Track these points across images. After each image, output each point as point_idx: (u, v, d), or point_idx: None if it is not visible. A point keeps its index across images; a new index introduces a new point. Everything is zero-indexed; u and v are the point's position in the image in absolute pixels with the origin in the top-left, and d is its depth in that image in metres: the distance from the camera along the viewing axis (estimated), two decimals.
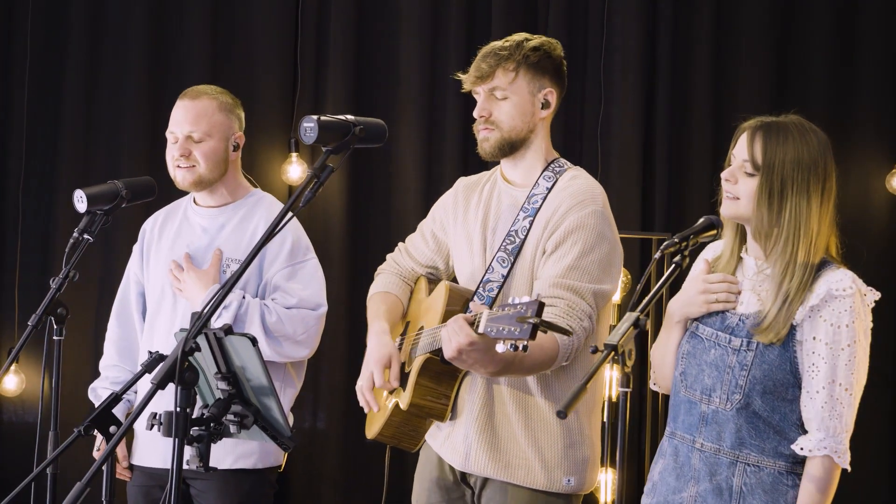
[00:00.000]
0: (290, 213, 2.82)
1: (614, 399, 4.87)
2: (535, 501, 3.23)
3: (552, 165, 3.33)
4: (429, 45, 5.44)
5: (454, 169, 5.24)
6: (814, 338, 2.76)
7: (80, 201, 3.36)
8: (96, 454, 3.74)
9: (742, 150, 2.84)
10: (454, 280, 3.47)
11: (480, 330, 2.85)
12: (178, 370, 2.62)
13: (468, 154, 5.21)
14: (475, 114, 3.31)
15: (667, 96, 5.46)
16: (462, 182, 3.53)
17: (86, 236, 3.35)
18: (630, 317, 2.50)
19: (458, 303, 3.28)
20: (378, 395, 3.33)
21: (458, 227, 3.43)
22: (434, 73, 5.43)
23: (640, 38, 5.42)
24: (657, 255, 2.67)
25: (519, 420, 3.22)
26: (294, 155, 5.33)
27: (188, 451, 2.74)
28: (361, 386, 3.30)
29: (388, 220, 5.42)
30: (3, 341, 5.22)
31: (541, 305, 2.70)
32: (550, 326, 2.72)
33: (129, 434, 3.73)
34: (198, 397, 2.86)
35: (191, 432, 2.71)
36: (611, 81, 5.43)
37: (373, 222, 5.43)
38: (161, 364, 2.67)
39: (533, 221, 3.25)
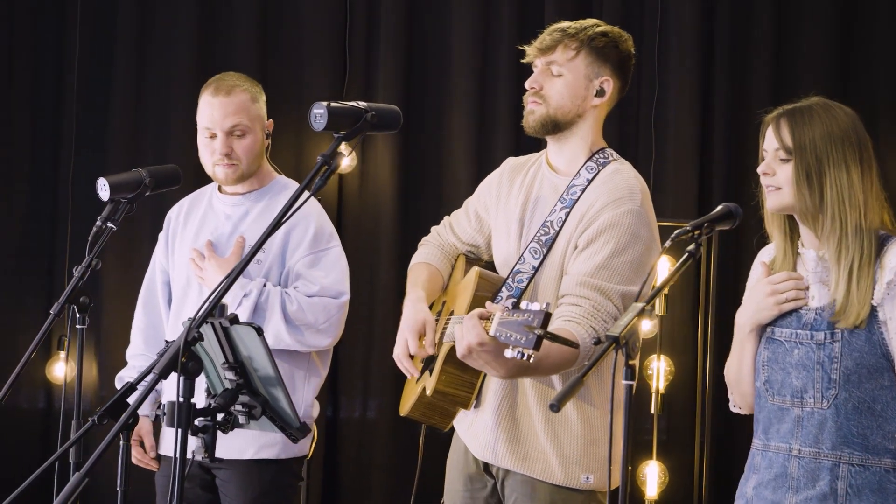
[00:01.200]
0: (299, 201, 2.76)
1: (662, 391, 4.78)
2: (555, 496, 3.17)
3: (597, 156, 3.23)
4: (480, 31, 5.37)
5: (505, 157, 5.12)
6: None
7: (104, 189, 3.35)
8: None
9: (771, 141, 2.77)
10: (491, 261, 3.42)
11: (491, 332, 2.78)
12: (179, 360, 2.60)
13: (520, 142, 5.13)
14: (526, 84, 3.24)
15: (725, 80, 5.32)
16: (509, 162, 3.46)
17: (109, 224, 3.34)
18: (635, 307, 2.42)
19: (488, 291, 3.22)
20: (417, 361, 3.28)
21: (500, 209, 3.37)
22: (486, 60, 5.35)
23: (697, 20, 5.28)
24: (667, 243, 2.58)
25: (539, 413, 3.17)
26: (343, 145, 5.28)
27: (194, 442, 2.72)
28: (397, 354, 3.25)
29: (439, 208, 5.34)
30: (55, 329, 5.26)
31: (547, 316, 2.64)
32: (555, 339, 2.67)
33: (157, 425, 3.74)
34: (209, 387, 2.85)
35: (196, 423, 2.69)
36: (666, 65, 5.31)
37: (423, 210, 5.37)
38: (165, 354, 2.65)
39: (569, 213, 3.17)
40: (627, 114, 5.33)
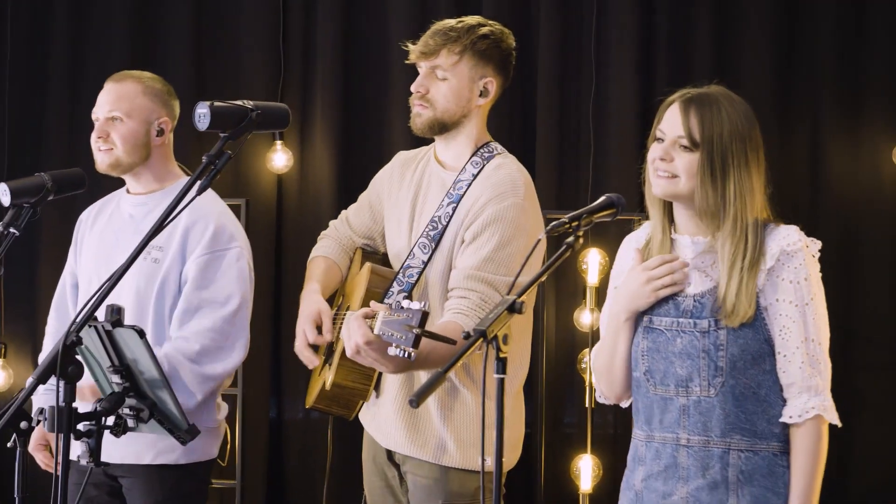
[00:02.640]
0: (182, 202, 2.74)
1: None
2: (451, 478, 3.21)
3: (482, 150, 3.30)
4: (418, 27, 5.31)
5: None
6: (777, 300, 2.66)
7: (4, 194, 3.31)
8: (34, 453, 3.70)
9: (676, 126, 2.70)
10: (385, 254, 3.47)
11: (375, 331, 2.84)
12: (58, 364, 2.58)
13: None
14: (412, 88, 3.30)
15: (665, 70, 5.29)
16: (400, 156, 3.52)
17: (11, 230, 3.30)
18: (505, 301, 2.40)
19: (380, 287, 3.27)
20: (320, 353, 3.33)
21: (391, 202, 3.43)
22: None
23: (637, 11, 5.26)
24: (541, 235, 2.56)
25: (436, 401, 3.22)
26: (279, 143, 5.28)
27: (80, 447, 2.71)
28: (298, 346, 3.30)
29: None
30: None
31: (424, 315, 2.70)
32: (433, 336, 2.71)
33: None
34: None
35: (80, 427, 2.68)
36: (606, 58, 5.28)
37: None
38: (44, 358, 2.64)
39: (456, 208, 3.24)
40: (568, 109, 5.32)
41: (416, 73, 5.26)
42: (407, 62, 3.32)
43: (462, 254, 3.19)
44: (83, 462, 2.70)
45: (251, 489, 5.23)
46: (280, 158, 5.27)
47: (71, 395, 2.60)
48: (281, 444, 5.35)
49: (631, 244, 2.88)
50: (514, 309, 2.38)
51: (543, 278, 2.54)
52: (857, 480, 5.09)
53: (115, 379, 2.74)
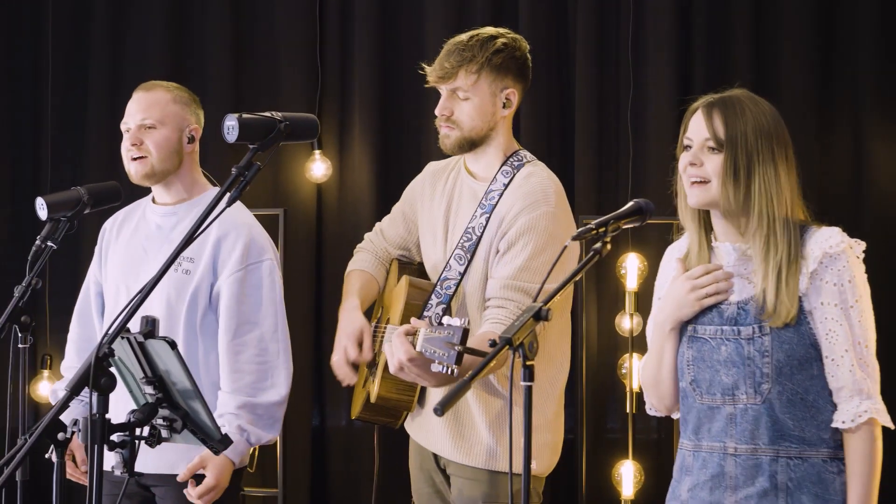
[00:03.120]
0: (213, 214, 2.76)
1: (637, 390, 4.74)
2: (496, 479, 3.26)
3: (511, 159, 3.34)
4: (455, 34, 5.29)
5: None
6: (822, 303, 2.64)
7: (42, 209, 3.36)
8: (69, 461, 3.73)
9: (701, 130, 2.70)
10: (421, 264, 3.52)
11: (417, 349, 2.91)
12: (91, 376, 2.60)
13: None
14: (437, 112, 3.33)
15: (703, 72, 5.25)
16: (431, 167, 3.56)
17: (49, 243, 3.35)
18: (531, 308, 2.39)
19: (419, 300, 3.32)
20: (362, 367, 3.41)
21: (425, 214, 3.47)
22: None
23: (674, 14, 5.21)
24: (567, 242, 2.56)
25: (479, 409, 3.27)
26: (317, 153, 5.30)
27: (114, 458, 2.73)
28: (336, 360, 3.36)
29: None
30: (38, 348, 5.32)
31: (465, 332, 2.76)
32: (474, 353, 2.73)
33: None
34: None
35: (114, 438, 2.70)
36: (644, 59, 5.24)
37: None
38: (77, 370, 2.66)
39: (489, 219, 3.28)
40: (606, 113, 5.29)
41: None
42: (426, 85, 3.34)
43: (497, 264, 3.22)
44: (117, 472, 2.71)
45: (294, 497, 5.24)
46: (319, 168, 5.29)
47: (104, 406, 2.63)
48: (324, 452, 5.36)
49: (673, 254, 2.87)
50: (539, 316, 2.38)
51: (570, 285, 2.54)
52: None
53: (149, 390, 2.75)
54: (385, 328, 3.39)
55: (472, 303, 3.27)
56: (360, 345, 3.31)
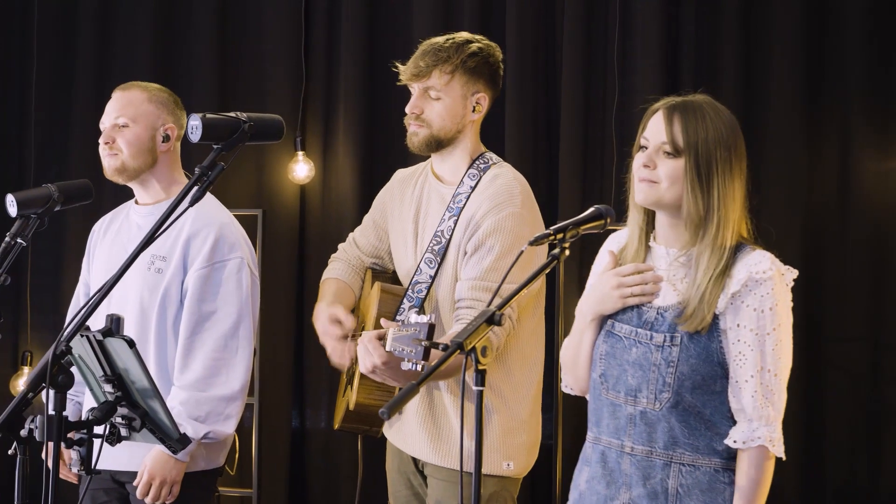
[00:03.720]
0: (174, 213, 2.76)
1: None
2: (467, 482, 3.22)
3: (477, 161, 3.39)
4: (442, 33, 5.34)
5: None
6: (738, 325, 2.65)
7: (11, 205, 3.36)
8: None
9: (659, 133, 2.70)
10: (394, 272, 3.55)
11: (387, 348, 2.98)
12: (48, 374, 2.61)
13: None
14: (407, 109, 3.38)
15: (690, 78, 5.22)
16: (398, 175, 3.62)
17: (19, 240, 3.35)
18: (485, 313, 2.39)
19: (392, 305, 3.37)
20: (343, 378, 3.51)
21: (395, 221, 3.51)
22: None
23: (661, 12, 5.18)
24: (524, 247, 2.56)
25: (455, 410, 3.32)
26: (300, 153, 5.31)
27: (73, 455, 2.73)
28: (330, 349, 3.40)
29: None
30: (20, 344, 5.33)
31: (431, 327, 2.83)
32: (437, 346, 2.72)
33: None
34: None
35: (72, 436, 2.70)
36: (631, 66, 5.22)
37: None
38: (35, 367, 2.66)
39: (457, 221, 3.32)
40: (592, 119, 5.28)
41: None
42: (398, 83, 3.38)
43: (466, 265, 3.27)
44: (74, 470, 2.73)
45: (271, 498, 5.24)
46: (302, 169, 5.29)
47: (61, 403, 2.63)
48: (303, 454, 5.36)
49: (610, 245, 2.88)
50: (492, 321, 2.37)
51: (525, 290, 2.54)
52: (889, 494, 5.01)
53: (108, 388, 2.76)
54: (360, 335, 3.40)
55: (445, 305, 3.32)
56: (339, 322, 3.35)
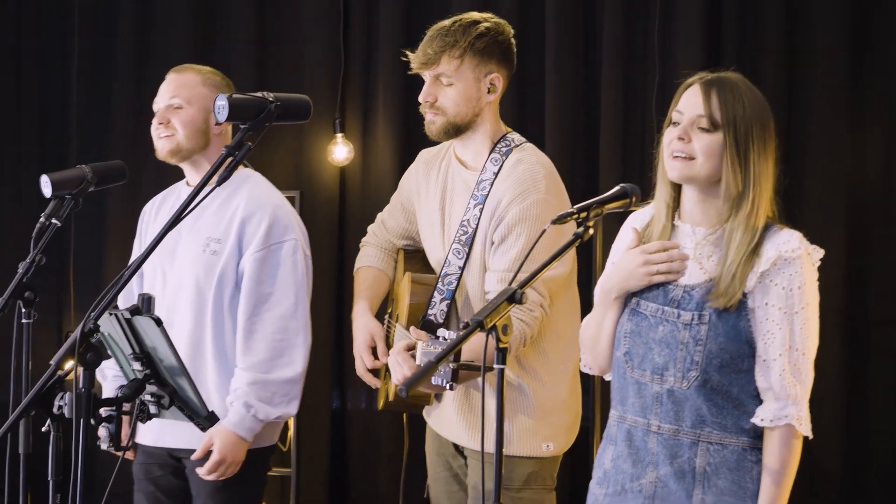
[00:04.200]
0: (201, 194, 2.77)
1: None
2: (510, 465, 3.30)
3: (499, 145, 3.33)
4: None
5: None
6: (766, 304, 2.64)
7: (46, 186, 3.41)
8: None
9: (696, 106, 2.67)
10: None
11: (417, 362, 3.04)
12: (77, 351, 2.64)
13: (524, 129, 5.08)
14: (420, 98, 3.34)
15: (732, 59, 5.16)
16: (423, 155, 3.59)
17: (53, 221, 3.39)
18: (506, 291, 2.39)
19: (423, 297, 3.36)
20: (383, 369, 3.49)
21: (422, 205, 3.49)
22: None
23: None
24: (546, 226, 2.55)
25: (492, 398, 3.22)
26: (339, 135, 5.31)
27: (102, 432, 2.77)
28: (358, 370, 3.50)
29: None
30: (63, 324, 5.39)
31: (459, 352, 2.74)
32: (468, 368, 2.73)
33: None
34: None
35: (101, 413, 2.73)
36: (671, 49, 5.17)
37: None
38: (63, 346, 2.69)
39: (482, 210, 3.28)
40: (634, 101, 5.23)
41: None
42: (409, 73, 3.34)
43: (493, 256, 3.24)
44: (104, 447, 2.76)
45: (311, 478, 5.27)
46: (341, 151, 5.30)
47: (90, 381, 2.66)
48: (343, 435, 5.38)
49: (633, 222, 2.86)
50: (513, 299, 2.37)
51: (548, 268, 2.53)
52: None
53: (136, 366, 2.79)
54: (396, 324, 3.45)
55: (474, 295, 3.31)
56: (375, 349, 3.41)
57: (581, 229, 2.55)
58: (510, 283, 2.43)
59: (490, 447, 3.26)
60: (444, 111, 3.28)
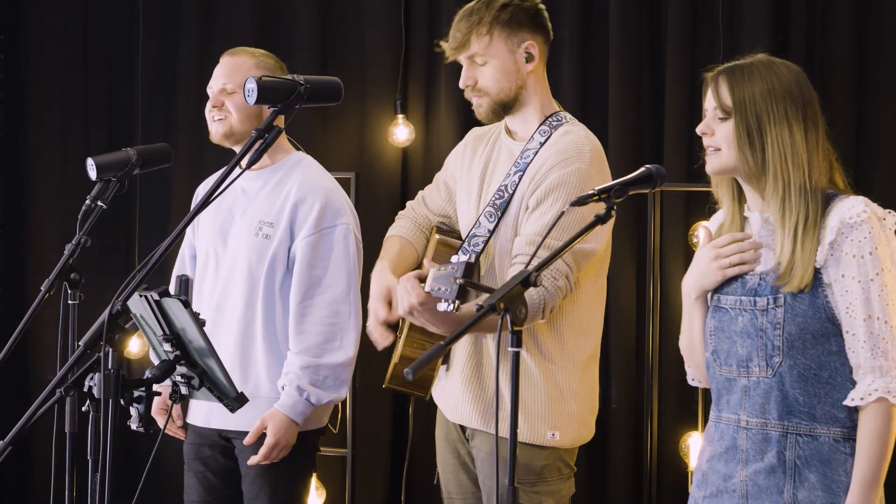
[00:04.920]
0: (230, 177, 2.79)
1: None
2: (521, 455, 3.15)
3: (550, 119, 3.27)
4: None
5: None
6: (842, 276, 2.56)
7: (91, 169, 3.45)
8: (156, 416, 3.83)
9: (709, 100, 2.68)
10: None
11: (426, 288, 2.88)
12: (104, 332, 2.67)
13: (585, 113, 5.04)
14: (460, 84, 3.29)
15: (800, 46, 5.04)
16: (473, 133, 3.54)
17: (99, 203, 3.43)
18: (521, 273, 2.36)
19: (446, 258, 3.22)
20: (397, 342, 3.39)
21: (463, 178, 3.44)
22: None
23: None
24: (565, 207, 2.52)
25: (504, 373, 3.17)
26: (400, 117, 5.30)
27: (132, 412, 2.80)
28: (368, 325, 3.36)
29: None
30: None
31: (468, 266, 2.72)
32: (476, 287, 2.71)
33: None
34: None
35: (132, 393, 2.77)
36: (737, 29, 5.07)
37: None
38: (92, 327, 2.73)
39: (522, 176, 3.21)
40: (699, 77, 5.11)
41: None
42: (445, 62, 3.31)
43: (527, 220, 3.16)
44: (133, 427, 2.79)
45: (370, 459, 5.29)
46: (402, 132, 5.29)
47: (118, 362, 2.70)
48: (403, 416, 5.38)
49: (709, 224, 2.83)
50: (528, 282, 2.34)
51: (567, 251, 2.51)
52: None
53: (166, 347, 2.81)
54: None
55: (503, 260, 3.22)
56: (390, 303, 3.28)
57: (603, 212, 2.51)
58: (528, 263, 2.39)
59: (503, 432, 3.17)
60: (487, 91, 3.23)
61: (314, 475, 4.78)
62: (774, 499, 2.61)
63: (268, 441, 3.56)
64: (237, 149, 3.74)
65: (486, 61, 3.21)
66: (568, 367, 3.21)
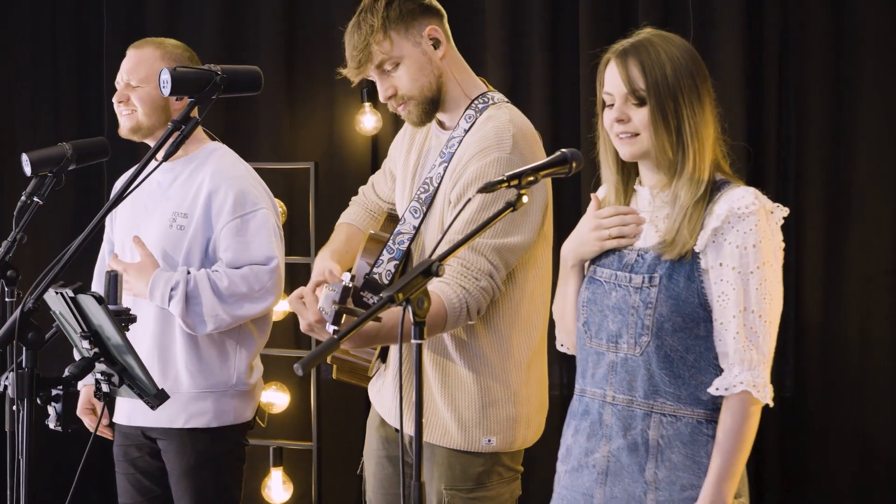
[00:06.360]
0: (147, 168, 2.75)
1: None
2: (453, 459, 3.09)
3: (476, 102, 3.14)
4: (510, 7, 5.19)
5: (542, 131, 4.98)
6: (720, 264, 2.51)
7: (26, 165, 3.40)
8: (82, 414, 3.80)
9: (619, 84, 2.58)
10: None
11: (319, 306, 2.80)
12: (16, 331, 2.63)
13: (557, 107, 4.99)
14: (381, 99, 3.14)
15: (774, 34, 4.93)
16: None
17: (35, 199, 3.39)
18: (422, 263, 2.29)
19: (374, 255, 3.15)
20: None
21: (400, 167, 3.34)
22: (519, 22, 5.17)
23: None
24: (471, 195, 2.47)
25: (436, 379, 3.10)
26: (367, 105, 5.25)
27: (49, 412, 2.76)
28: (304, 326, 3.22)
29: None
30: None
31: (345, 290, 2.64)
32: (351, 312, 2.63)
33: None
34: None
35: (49, 392, 2.74)
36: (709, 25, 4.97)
37: None
38: (4, 326, 2.69)
39: (446, 168, 3.09)
40: None
41: (507, 56, 5.12)
42: (352, 87, 3.21)
43: (448, 216, 3.04)
44: (51, 426, 2.75)
45: (339, 451, 5.25)
46: (369, 120, 5.24)
47: (33, 360, 2.66)
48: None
49: (598, 192, 2.77)
50: (429, 272, 2.28)
51: (473, 239, 2.44)
52: None
53: (85, 345, 2.77)
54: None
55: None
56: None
57: (513, 198, 2.44)
58: (431, 253, 2.32)
59: (433, 438, 3.03)
60: (410, 95, 3.08)
61: (278, 470, 4.75)
62: (635, 477, 2.58)
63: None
64: (148, 141, 3.70)
65: (395, 63, 3.05)
66: (509, 367, 3.08)
